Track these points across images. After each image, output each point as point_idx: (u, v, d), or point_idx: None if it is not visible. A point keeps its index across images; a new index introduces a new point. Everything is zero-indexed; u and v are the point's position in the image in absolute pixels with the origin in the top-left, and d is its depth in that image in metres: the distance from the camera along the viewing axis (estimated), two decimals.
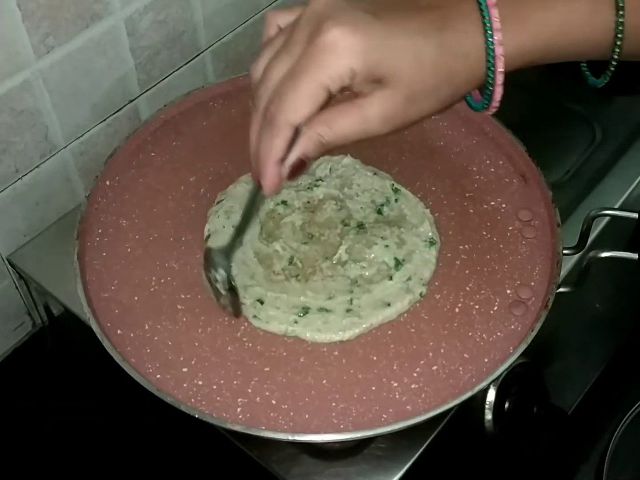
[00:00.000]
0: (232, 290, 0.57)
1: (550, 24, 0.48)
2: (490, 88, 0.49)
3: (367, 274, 0.63)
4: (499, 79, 0.48)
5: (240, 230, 0.56)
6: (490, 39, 0.47)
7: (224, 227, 0.65)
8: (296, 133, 0.47)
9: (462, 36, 0.47)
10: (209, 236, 0.66)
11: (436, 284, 0.63)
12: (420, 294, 0.62)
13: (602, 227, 0.74)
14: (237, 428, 0.54)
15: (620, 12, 0.48)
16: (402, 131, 0.49)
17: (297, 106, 0.46)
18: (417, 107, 0.48)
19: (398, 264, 0.63)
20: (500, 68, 0.48)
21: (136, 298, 0.62)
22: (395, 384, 0.57)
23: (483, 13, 0.47)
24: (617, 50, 0.49)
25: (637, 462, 0.78)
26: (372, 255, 0.63)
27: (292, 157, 0.48)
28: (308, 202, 0.68)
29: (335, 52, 0.45)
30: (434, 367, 0.58)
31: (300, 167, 0.48)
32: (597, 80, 0.55)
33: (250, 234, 0.65)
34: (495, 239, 0.65)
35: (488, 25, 0.47)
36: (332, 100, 0.47)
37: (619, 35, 0.48)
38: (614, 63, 0.50)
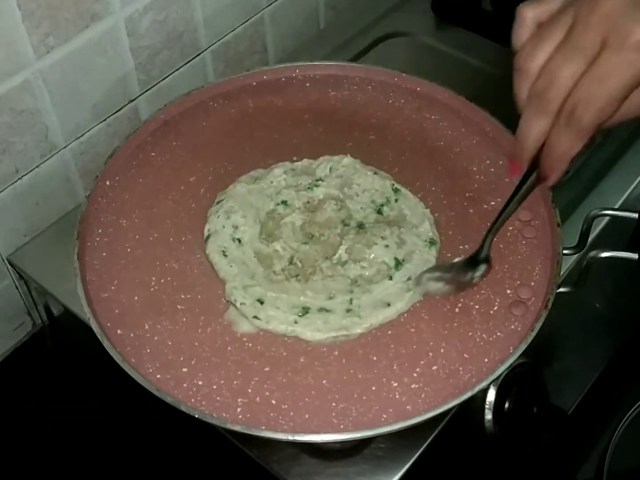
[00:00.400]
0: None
1: None
2: None
3: (367, 274, 0.63)
4: None
5: (503, 218, 0.58)
6: None
7: (224, 227, 0.65)
8: None
9: None
10: (209, 236, 0.66)
11: None
12: (420, 294, 0.62)
13: (602, 227, 0.74)
14: (237, 428, 0.54)
15: None
16: None
17: (608, 110, 0.47)
18: None
19: (398, 264, 0.63)
20: None
21: (136, 298, 0.62)
22: (395, 384, 0.57)
23: None
24: None
25: (637, 462, 0.78)
26: (372, 255, 0.63)
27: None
28: (308, 202, 0.68)
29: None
30: (434, 367, 0.58)
31: None
32: None
33: (250, 233, 0.65)
34: (495, 239, 0.65)
35: None
36: None
37: None
38: None
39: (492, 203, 0.68)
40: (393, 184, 0.69)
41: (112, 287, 0.63)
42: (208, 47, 0.84)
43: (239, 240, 0.65)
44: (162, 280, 0.63)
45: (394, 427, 0.54)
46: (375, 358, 0.59)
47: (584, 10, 0.47)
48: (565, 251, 0.63)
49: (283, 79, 0.79)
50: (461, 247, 0.65)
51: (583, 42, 0.47)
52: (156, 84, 0.81)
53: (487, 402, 0.65)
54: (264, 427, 0.54)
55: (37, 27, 0.66)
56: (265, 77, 0.78)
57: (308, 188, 0.69)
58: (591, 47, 0.46)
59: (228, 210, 0.66)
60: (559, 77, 0.48)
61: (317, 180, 0.69)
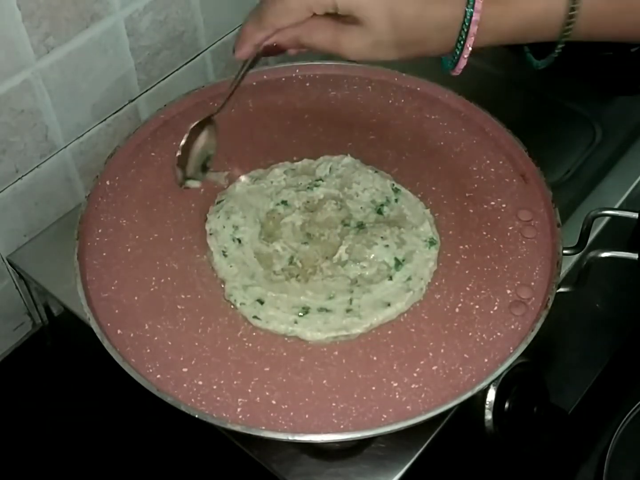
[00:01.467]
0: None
1: (531, 11, 0.54)
2: (457, 57, 0.55)
3: (367, 273, 0.63)
4: (466, 53, 0.54)
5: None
6: (469, 16, 0.52)
7: (224, 227, 0.65)
8: None
9: (445, 8, 0.53)
10: (209, 236, 0.65)
11: (436, 284, 0.63)
12: (420, 294, 0.62)
13: (602, 227, 0.74)
14: (237, 428, 0.54)
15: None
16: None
17: (282, 17, 0.57)
18: (383, 52, 0.56)
19: (398, 264, 0.63)
20: (469, 45, 0.54)
21: (136, 298, 0.62)
22: (395, 384, 0.57)
23: None
24: (567, 33, 0.54)
25: (637, 462, 0.78)
26: (372, 255, 0.63)
27: (269, 41, 0.59)
28: (308, 202, 0.68)
29: None
30: (434, 367, 0.58)
31: (272, 51, 0.60)
32: (539, 62, 0.61)
33: (250, 233, 0.65)
34: (495, 239, 0.65)
35: (471, 2, 0.52)
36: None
37: (571, 19, 0.53)
38: (561, 46, 0.56)
39: (492, 203, 0.68)
40: (393, 184, 0.69)
41: (112, 287, 0.63)
42: (208, 47, 0.84)
43: (239, 240, 0.65)
44: (162, 280, 0.63)
45: (394, 427, 0.54)
46: (375, 358, 0.59)
47: None
48: (565, 251, 0.64)
49: (283, 79, 0.79)
50: (461, 247, 0.65)
51: None
52: (156, 84, 0.81)
53: (487, 402, 0.65)
54: (264, 427, 0.54)
55: (37, 27, 0.66)
56: (265, 77, 0.78)
57: (308, 188, 0.68)
58: None
59: (228, 210, 0.66)
60: None
61: (317, 180, 0.69)
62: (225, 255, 0.64)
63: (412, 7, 0.53)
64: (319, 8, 0.55)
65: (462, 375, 0.57)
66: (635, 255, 0.61)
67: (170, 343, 0.59)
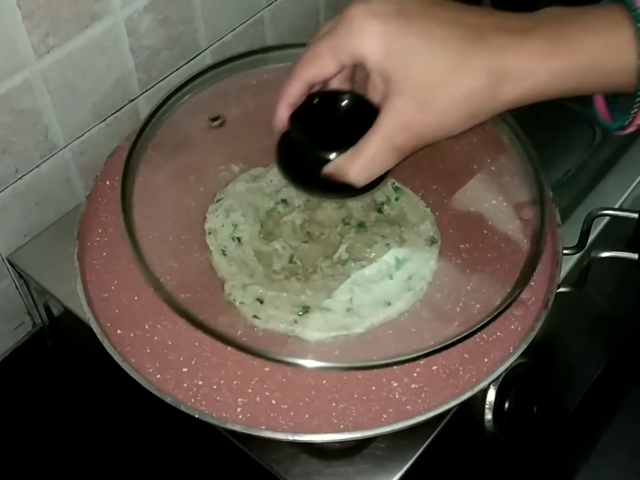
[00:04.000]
0: None
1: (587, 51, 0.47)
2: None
3: (367, 272, 0.63)
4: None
5: None
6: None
7: (223, 225, 0.65)
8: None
9: (496, 55, 0.47)
10: (208, 235, 0.66)
11: (437, 283, 0.63)
12: (421, 293, 0.62)
13: (602, 227, 0.74)
14: (237, 428, 0.54)
15: None
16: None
17: (306, 65, 0.51)
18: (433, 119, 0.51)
19: (398, 262, 0.63)
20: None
21: (136, 298, 0.62)
22: (395, 384, 0.57)
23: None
24: None
25: (637, 462, 0.78)
26: (373, 254, 0.63)
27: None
28: (308, 200, 0.68)
29: (350, 27, 0.48)
30: (434, 367, 0.58)
31: None
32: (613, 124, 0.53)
33: (249, 232, 0.65)
34: (495, 238, 0.65)
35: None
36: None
37: None
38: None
39: (493, 202, 0.68)
40: (393, 183, 0.69)
41: (112, 287, 0.63)
42: (208, 47, 0.84)
43: (239, 239, 0.65)
44: (162, 280, 0.63)
45: (394, 427, 0.54)
46: (375, 358, 0.58)
47: None
48: (565, 251, 0.63)
49: (283, 79, 0.78)
50: (462, 245, 0.65)
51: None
52: (156, 84, 0.81)
53: (487, 402, 0.65)
54: (264, 427, 0.54)
55: (37, 27, 0.66)
56: (265, 76, 0.78)
57: None
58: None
59: (228, 208, 0.66)
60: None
61: None
62: (224, 254, 0.64)
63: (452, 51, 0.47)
64: (343, 53, 0.49)
65: (462, 375, 0.57)
66: (635, 255, 0.61)
67: (170, 343, 0.59)
